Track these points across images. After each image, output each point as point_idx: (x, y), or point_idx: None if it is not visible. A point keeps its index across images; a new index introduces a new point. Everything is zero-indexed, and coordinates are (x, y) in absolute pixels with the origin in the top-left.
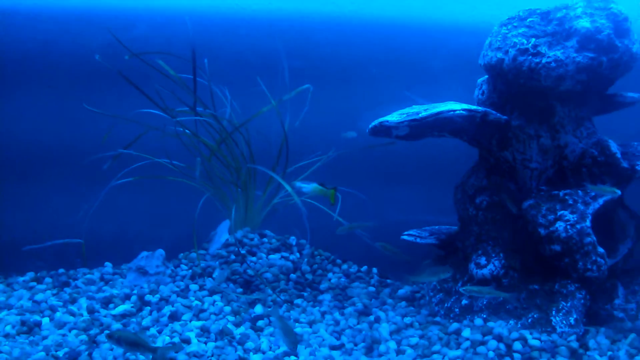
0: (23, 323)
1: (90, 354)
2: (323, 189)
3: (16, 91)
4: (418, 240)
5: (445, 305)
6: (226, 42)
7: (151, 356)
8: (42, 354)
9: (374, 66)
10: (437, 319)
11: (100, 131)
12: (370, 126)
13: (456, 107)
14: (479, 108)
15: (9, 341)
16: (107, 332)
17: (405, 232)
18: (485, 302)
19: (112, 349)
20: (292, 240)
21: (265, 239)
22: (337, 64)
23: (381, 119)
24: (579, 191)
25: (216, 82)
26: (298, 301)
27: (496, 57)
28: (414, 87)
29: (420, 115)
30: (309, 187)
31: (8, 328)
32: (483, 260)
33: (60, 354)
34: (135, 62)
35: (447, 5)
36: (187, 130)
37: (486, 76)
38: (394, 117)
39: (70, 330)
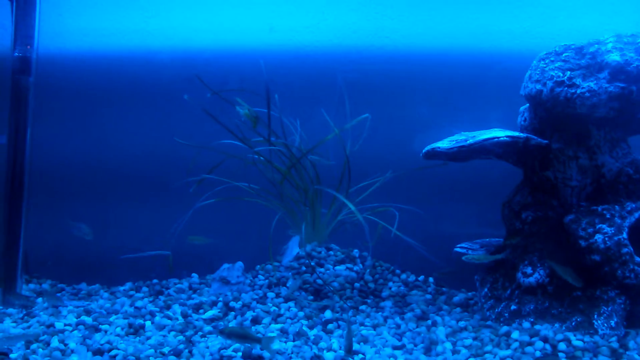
0: (130, 325)
1: (190, 351)
2: (248, 113)
3: (119, 125)
4: (470, 252)
5: (496, 310)
6: (293, 78)
7: (258, 346)
8: (152, 351)
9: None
10: (489, 322)
11: (186, 159)
12: (423, 151)
13: (500, 134)
14: (522, 134)
15: (123, 340)
16: (219, 329)
17: (458, 245)
18: (532, 307)
19: (207, 347)
20: (356, 252)
21: (331, 252)
22: (392, 93)
23: (433, 145)
24: (616, 206)
25: (286, 114)
26: (362, 307)
27: (536, 89)
28: (460, 113)
29: (467, 142)
30: (242, 110)
31: (118, 330)
32: (529, 270)
33: (165, 351)
34: (214, 98)
35: (490, 36)
36: (261, 157)
37: (527, 104)
38: (444, 144)
39: (169, 332)
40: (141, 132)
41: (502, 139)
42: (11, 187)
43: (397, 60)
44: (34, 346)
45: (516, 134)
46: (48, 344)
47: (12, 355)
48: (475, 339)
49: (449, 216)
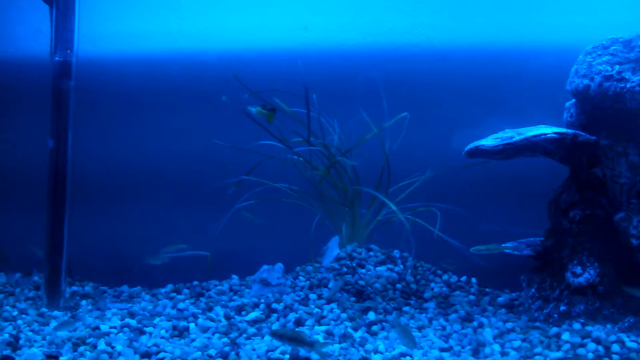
0: (174, 328)
1: (237, 354)
2: (261, 110)
3: (157, 127)
4: (516, 252)
5: (544, 311)
6: (329, 77)
7: (303, 350)
8: (199, 353)
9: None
10: (537, 324)
11: (223, 161)
12: (466, 149)
13: (547, 130)
14: (569, 130)
15: (169, 342)
16: (272, 330)
17: (503, 245)
18: (582, 308)
19: (254, 349)
20: (396, 253)
21: (371, 253)
22: (429, 90)
23: (477, 143)
24: None
25: (324, 114)
26: (406, 308)
27: (583, 84)
28: (500, 109)
29: (513, 139)
30: (254, 109)
31: (162, 332)
32: (579, 270)
33: (212, 353)
34: (251, 98)
35: (530, 31)
36: (300, 158)
37: (573, 100)
38: (489, 142)
39: (213, 334)
40: (179, 134)
41: (549, 135)
42: (54, 190)
43: (433, 58)
44: (81, 349)
45: (564, 130)
46: (95, 346)
47: (61, 359)
48: (524, 340)
49: (490, 215)
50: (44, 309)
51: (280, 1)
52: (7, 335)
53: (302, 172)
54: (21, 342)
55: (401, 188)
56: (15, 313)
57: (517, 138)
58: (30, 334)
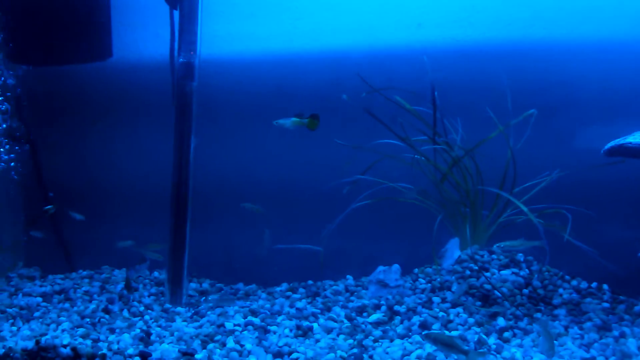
0: (298, 327)
1: (371, 357)
2: (299, 120)
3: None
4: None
5: None
6: (444, 74)
7: (464, 357)
8: (331, 355)
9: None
10: None
11: (338, 160)
12: (608, 147)
13: None
14: None
15: (298, 341)
16: (425, 332)
17: None
18: None
19: (387, 353)
20: (520, 256)
21: (494, 256)
22: (552, 86)
23: (622, 141)
24: None
25: (442, 111)
26: (537, 315)
27: None
28: (630, 107)
29: None
30: (288, 121)
31: (287, 331)
32: None
33: (345, 355)
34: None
35: None
36: (422, 157)
37: None
38: (637, 139)
39: (337, 335)
40: (292, 134)
41: None
42: (177, 190)
43: (555, 52)
44: (210, 346)
45: None
46: (224, 344)
47: (197, 356)
48: None
49: (623, 218)
50: (167, 305)
51: None
52: (138, 330)
53: (423, 171)
54: (152, 337)
55: (528, 188)
56: (142, 309)
57: None
58: (158, 329)
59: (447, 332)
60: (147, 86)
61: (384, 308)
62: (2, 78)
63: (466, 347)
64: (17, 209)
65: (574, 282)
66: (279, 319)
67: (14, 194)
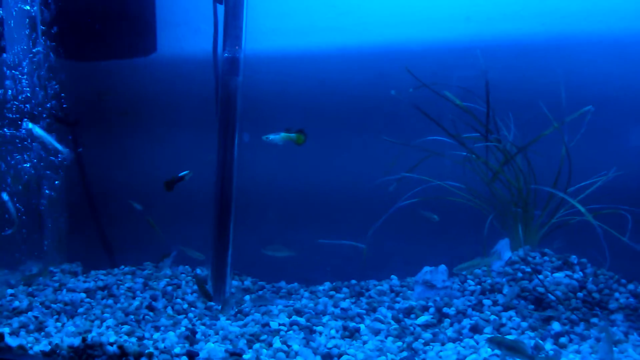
0: (345, 328)
1: None
2: (288, 135)
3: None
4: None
5: None
6: (494, 69)
7: None
8: (383, 358)
9: None
10: None
11: (383, 158)
12: None
13: None
14: None
15: (346, 342)
16: (487, 337)
17: None
18: None
19: (440, 357)
20: (574, 259)
21: (546, 257)
22: (607, 81)
23: None
24: None
25: (496, 109)
26: (594, 320)
27: None
28: None
29: None
30: (278, 136)
31: (333, 332)
32: None
33: (395, 357)
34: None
35: None
36: (473, 155)
37: None
38: None
39: (386, 337)
40: (336, 131)
41: None
42: (221, 186)
43: (611, 45)
44: (256, 346)
45: None
46: (270, 344)
47: (245, 356)
48: None
49: None
50: (211, 303)
51: None
52: (183, 329)
53: (474, 169)
54: (197, 336)
55: (583, 187)
56: (185, 306)
57: None
58: (202, 327)
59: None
60: (189, 81)
61: (432, 310)
62: (52, 74)
63: (530, 352)
64: (61, 207)
65: (631, 286)
66: (325, 319)
67: (57, 191)
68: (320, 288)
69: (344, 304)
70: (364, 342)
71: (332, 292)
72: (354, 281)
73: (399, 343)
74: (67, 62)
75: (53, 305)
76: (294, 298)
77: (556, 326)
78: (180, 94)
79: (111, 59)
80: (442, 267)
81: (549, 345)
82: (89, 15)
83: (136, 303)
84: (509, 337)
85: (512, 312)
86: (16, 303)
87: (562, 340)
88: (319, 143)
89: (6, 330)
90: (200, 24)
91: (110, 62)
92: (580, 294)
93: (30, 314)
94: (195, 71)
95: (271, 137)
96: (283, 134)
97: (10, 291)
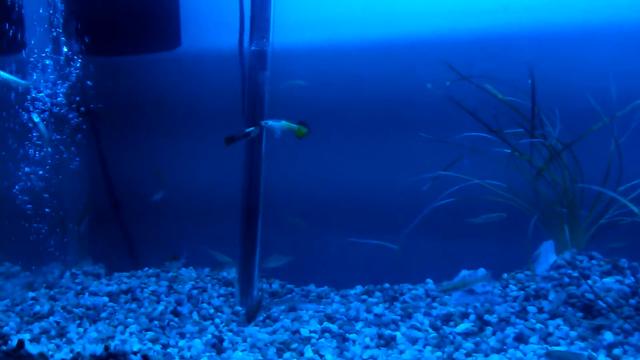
0: (380, 336)
1: None
2: (289, 124)
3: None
4: None
5: None
6: (545, 63)
7: None
8: None
9: None
10: None
11: (415, 156)
12: None
13: None
14: None
15: (382, 352)
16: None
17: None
18: None
19: None
20: (624, 262)
21: (594, 261)
22: None
23: None
24: None
25: (539, 103)
26: None
27: None
28: None
29: None
30: (278, 123)
31: (367, 340)
32: None
33: None
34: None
35: None
36: (516, 152)
37: None
38: None
39: (424, 347)
40: (362, 126)
41: None
42: (249, 187)
43: None
44: (286, 355)
45: None
46: (301, 353)
47: None
48: None
49: None
50: (237, 307)
51: None
52: (210, 336)
53: (516, 167)
54: (225, 344)
55: (628, 189)
56: (212, 311)
57: None
58: (230, 334)
59: (547, 347)
60: (215, 76)
61: (472, 317)
62: (77, 71)
63: None
64: (82, 205)
65: None
66: (358, 326)
67: (79, 190)
68: (352, 292)
69: (378, 310)
70: (401, 352)
71: (364, 297)
72: (387, 285)
73: (439, 353)
74: (90, 57)
75: (75, 310)
76: (324, 302)
77: (608, 336)
78: (205, 89)
79: (134, 54)
80: (482, 270)
81: (602, 358)
82: (112, 9)
83: (161, 308)
84: (557, 348)
85: (559, 320)
86: (37, 307)
87: (616, 351)
88: (348, 140)
89: (27, 336)
90: (225, 17)
91: (134, 57)
92: (632, 301)
93: (51, 318)
94: (220, 65)
95: (270, 122)
96: (284, 122)
97: (31, 294)
